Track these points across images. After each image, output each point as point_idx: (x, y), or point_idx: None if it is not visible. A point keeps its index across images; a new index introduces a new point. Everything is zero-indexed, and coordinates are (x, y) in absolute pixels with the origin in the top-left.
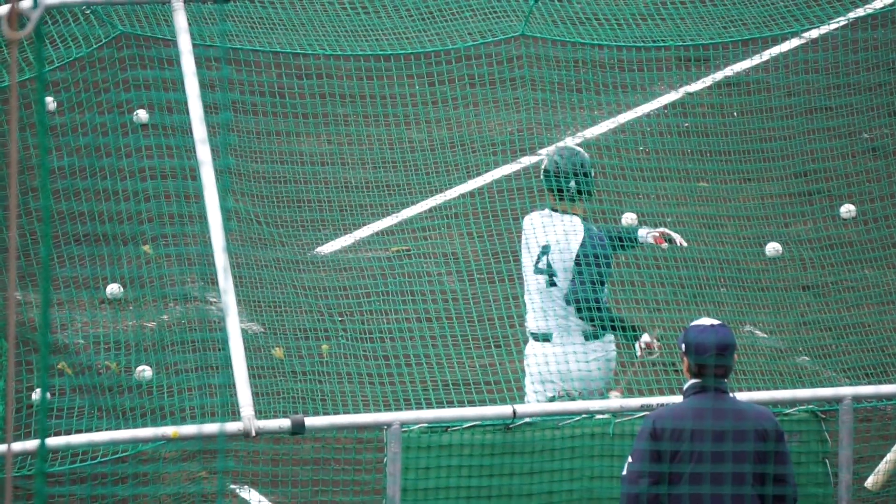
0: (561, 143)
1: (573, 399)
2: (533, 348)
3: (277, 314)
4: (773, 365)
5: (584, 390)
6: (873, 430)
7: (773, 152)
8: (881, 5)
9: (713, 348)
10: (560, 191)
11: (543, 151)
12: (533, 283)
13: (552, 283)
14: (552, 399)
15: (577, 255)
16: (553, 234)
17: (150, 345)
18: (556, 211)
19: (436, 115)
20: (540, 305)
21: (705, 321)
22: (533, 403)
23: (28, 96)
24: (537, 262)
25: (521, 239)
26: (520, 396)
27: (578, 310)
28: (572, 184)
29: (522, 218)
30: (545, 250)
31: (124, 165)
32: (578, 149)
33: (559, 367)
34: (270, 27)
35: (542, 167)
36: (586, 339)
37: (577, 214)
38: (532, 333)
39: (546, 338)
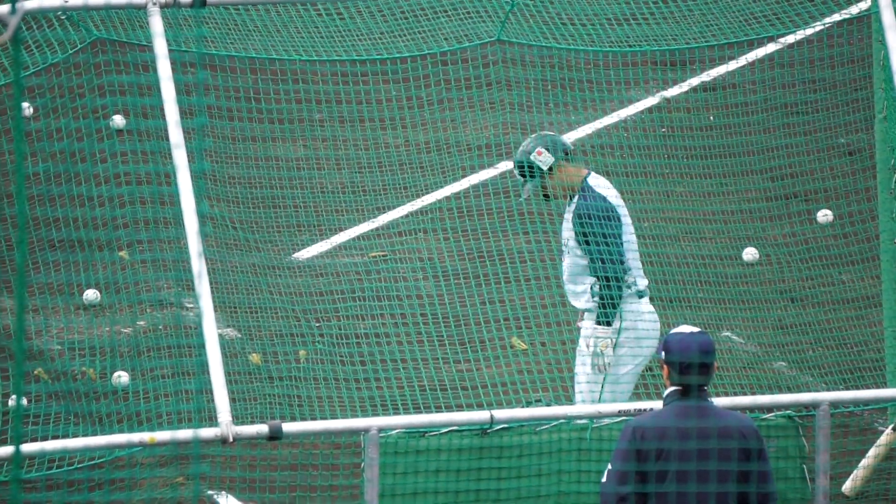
0: (526, 142)
1: (548, 404)
2: (641, 306)
3: (254, 320)
4: (750, 370)
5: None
6: (850, 435)
7: (750, 157)
8: (857, 10)
9: (693, 356)
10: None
11: (515, 178)
12: (635, 242)
13: None
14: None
15: None
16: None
17: (125, 350)
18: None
19: (412, 119)
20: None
21: (685, 328)
22: (514, 409)
23: (3, 102)
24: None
25: (599, 211)
26: (497, 401)
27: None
28: (570, 143)
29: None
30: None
31: (99, 171)
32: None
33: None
34: (246, 33)
35: (549, 152)
36: None
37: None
38: (639, 292)
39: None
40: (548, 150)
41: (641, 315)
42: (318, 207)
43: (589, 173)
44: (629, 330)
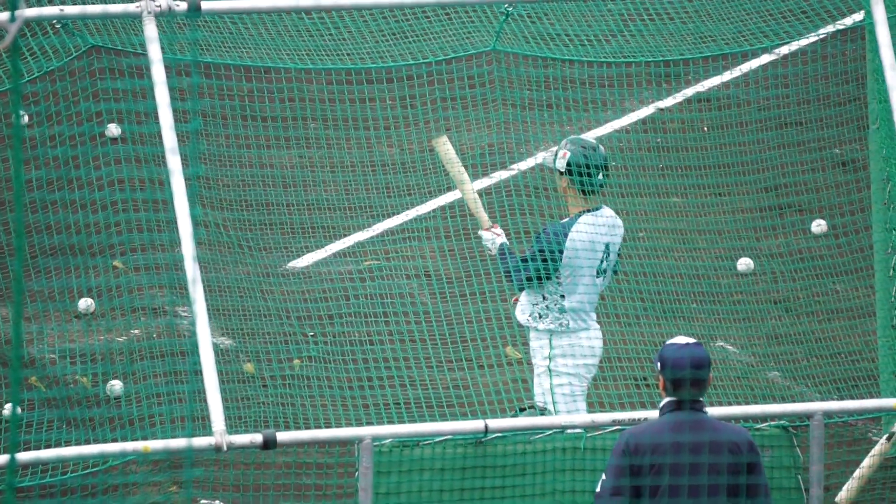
0: (573, 137)
1: (543, 412)
2: (579, 339)
3: (248, 328)
4: (744, 380)
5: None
6: (844, 444)
7: (744, 167)
8: (851, 21)
9: (688, 367)
10: (589, 188)
11: (541, 154)
12: (590, 281)
13: (604, 275)
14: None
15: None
16: (606, 234)
17: (118, 358)
18: (590, 211)
19: (407, 130)
20: (587, 299)
21: (680, 339)
22: (506, 419)
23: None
24: (602, 262)
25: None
26: (490, 410)
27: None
28: (600, 176)
29: (561, 224)
30: (607, 249)
31: (93, 178)
32: (593, 141)
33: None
34: (241, 39)
35: (566, 163)
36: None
37: (604, 206)
38: (570, 327)
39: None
40: (569, 164)
41: (575, 344)
42: (312, 214)
43: (591, 210)
44: (564, 357)
